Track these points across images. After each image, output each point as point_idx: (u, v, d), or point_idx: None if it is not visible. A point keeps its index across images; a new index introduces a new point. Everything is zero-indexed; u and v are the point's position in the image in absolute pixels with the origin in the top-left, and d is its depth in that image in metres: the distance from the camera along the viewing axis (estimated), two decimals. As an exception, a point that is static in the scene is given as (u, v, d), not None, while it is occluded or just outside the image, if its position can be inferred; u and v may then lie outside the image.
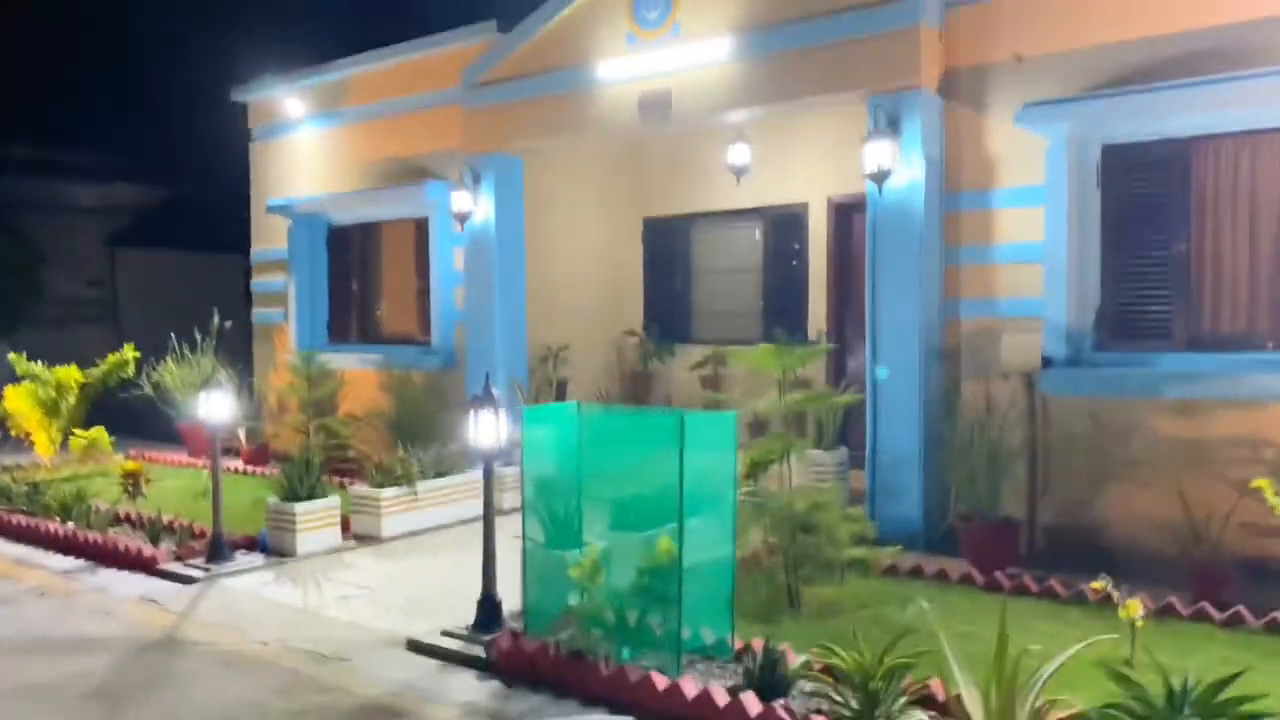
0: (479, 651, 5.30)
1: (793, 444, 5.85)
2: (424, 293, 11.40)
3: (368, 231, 12.21)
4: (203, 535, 7.82)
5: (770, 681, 4.54)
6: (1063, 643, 4.87)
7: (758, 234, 11.03)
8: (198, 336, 12.70)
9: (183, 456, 12.19)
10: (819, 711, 4.26)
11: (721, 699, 4.38)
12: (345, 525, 8.00)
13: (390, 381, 10.96)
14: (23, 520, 8.48)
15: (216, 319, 12.76)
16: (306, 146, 12.56)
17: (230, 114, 13.99)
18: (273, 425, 12.43)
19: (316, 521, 7.64)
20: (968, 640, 4.93)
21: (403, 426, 10.41)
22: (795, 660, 4.75)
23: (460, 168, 10.44)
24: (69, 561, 7.65)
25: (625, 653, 4.99)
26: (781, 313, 10.71)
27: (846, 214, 10.29)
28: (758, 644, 5.04)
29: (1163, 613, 5.56)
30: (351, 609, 6.29)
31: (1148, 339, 7.05)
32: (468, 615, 5.98)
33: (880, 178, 7.47)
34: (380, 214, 11.82)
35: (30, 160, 20.12)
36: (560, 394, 10.73)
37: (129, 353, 11.94)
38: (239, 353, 13.05)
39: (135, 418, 13.08)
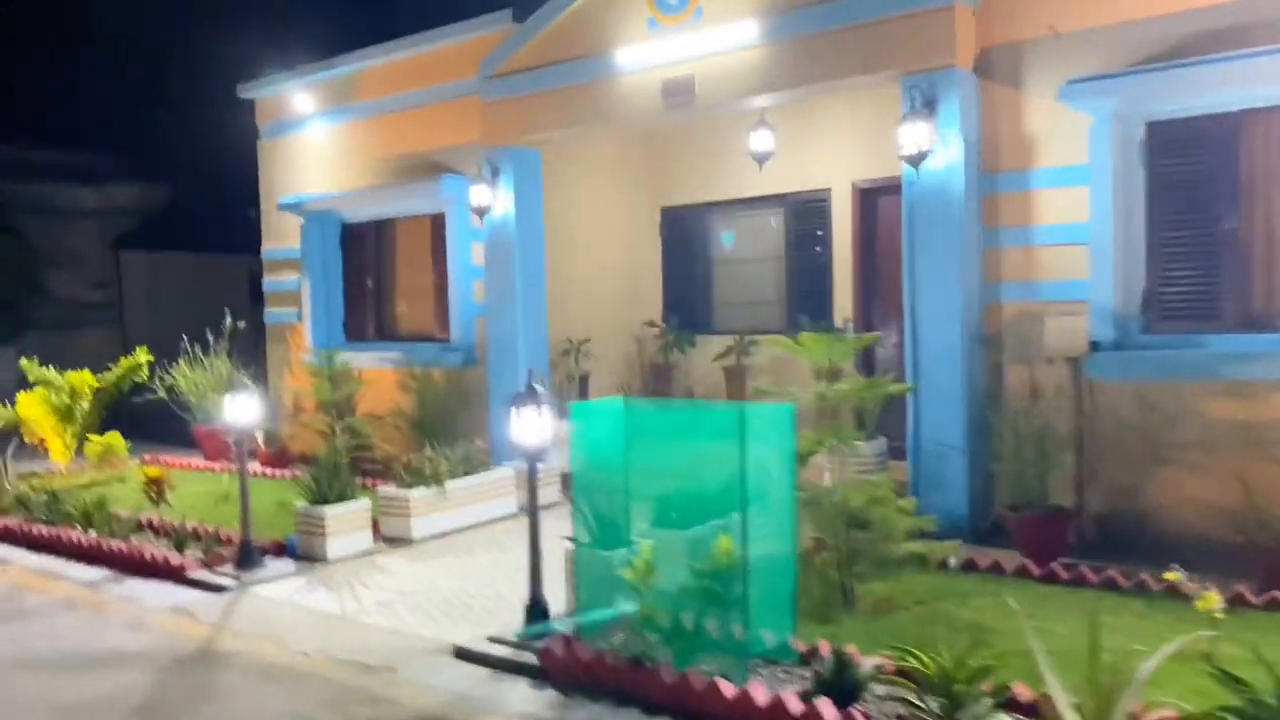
0: (530, 659, 5.13)
1: (846, 435, 5.66)
2: (441, 289, 11.21)
3: (381, 228, 12.01)
4: (229, 542, 7.65)
5: (842, 686, 4.36)
6: (1135, 637, 4.73)
7: (780, 221, 10.82)
8: (209, 338, 12.54)
9: (198, 460, 12.00)
10: (899, 718, 4.07)
11: (795, 706, 4.21)
12: (374, 527, 7.83)
13: (409, 379, 10.77)
14: (43, 530, 8.31)
15: (229, 320, 12.60)
16: (317, 143, 12.35)
17: (232, 112, 13.78)
18: (289, 427, 12.25)
19: (347, 525, 7.47)
20: (1038, 637, 4.75)
21: (425, 425, 10.25)
22: (861, 662, 4.58)
23: (476, 161, 10.24)
24: (94, 571, 7.48)
25: (683, 658, 4.82)
26: (805, 301, 10.52)
27: (872, 199, 10.09)
28: (823, 646, 4.87)
29: (1233, 602, 5.37)
30: (391, 615, 6.12)
31: (1197, 320, 6.86)
32: (512, 619, 5.82)
33: (917, 159, 7.28)
34: (395, 210, 11.61)
35: (30, 162, 19.91)
36: (582, 388, 10.55)
37: (142, 356, 11.76)
38: (249, 353, 12.85)
39: (147, 422, 12.91)
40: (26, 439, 11.38)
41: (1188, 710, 3.79)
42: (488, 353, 10.37)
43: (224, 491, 9.79)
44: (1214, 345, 6.68)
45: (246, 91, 12.94)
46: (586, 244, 11.08)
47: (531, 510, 5.45)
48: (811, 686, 4.47)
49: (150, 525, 8.38)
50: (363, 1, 20.60)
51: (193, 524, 7.99)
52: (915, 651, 4.20)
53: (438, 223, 11.16)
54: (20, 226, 19.52)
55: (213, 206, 21.71)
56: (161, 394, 12.22)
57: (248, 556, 7.05)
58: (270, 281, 13.14)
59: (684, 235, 11.58)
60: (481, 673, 5.14)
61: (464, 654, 5.35)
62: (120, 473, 11.07)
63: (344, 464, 7.79)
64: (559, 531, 7.70)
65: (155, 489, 8.22)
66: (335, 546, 7.36)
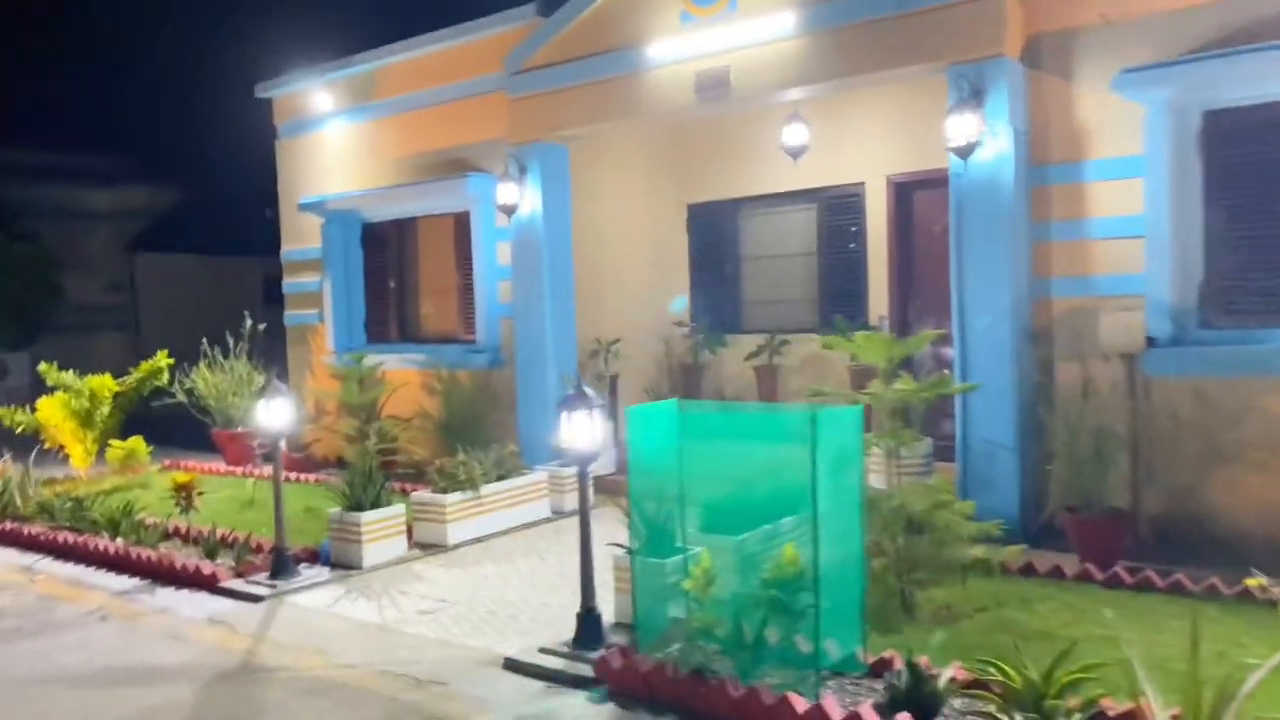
0: (585, 670, 4.95)
1: (906, 437, 5.47)
2: (466, 289, 11.04)
3: (404, 228, 11.84)
4: (260, 549, 7.49)
5: (919, 700, 4.17)
6: (1214, 644, 4.54)
7: (811, 217, 10.62)
8: (227, 341, 12.37)
9: (219, 465, 11.85)
10: (992, 733, 3.88)
11: (874, 722, 4.02)
12: (407, 533, 7.66)
13: (434, 381, 10.59)
14: (70, 537, 8.14)
15: (249, 322, 12.44)
16: (337, 142, 12.19)
17: (245, 113, 13.63)
18: (312, 431, 12.07)
19: (382, 531, 7.30)
20: (1112, 645, 4.57)
21: (451, 428, 10.07)
22: (937, 674, 4.38)
23: (501, 159, 10.07)
24: (124, 581, 7.31)
25: (744, 670, 4.63)
26: (839, 298, 10.33)
27: (907, 193, 9.89)
28: (890, 656, 4.69)
29: (1309, 608, 5.18)
30: (435, 625, 5.94)
31: (1258, 314, 6.66)
32: (561, 629, 5.65)
33: (966, 151, 7.08)
34: (417, 209, 11.43)
35: (42, 166, 19.79)
36: (612, 389, 10.36)
37: (162, 360, 11.59)
38: (266, 356, 12.67)
39: (165, 426, 12.76)
40: (47, 444, 11.23)
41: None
42: (515, 354, 10.19)
43: (249, 497, 9.64)
44: (1277, 340, 6.48)
45: (264, 90, 12.78)
46: (611, 242, 10.88)
47: (583, 516, 5.26)
48: (884, 701, 4.28)
49: (177, 532, 8.22)
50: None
51: (223, 531, 7.81)
52: (1000, 664, 4.00)
53: (462, 222, 10.99)
54: (34, 230, 19.39)
55: (226, 208, 21.60)
56: (181, 398, 12.06)
57: (283, 565, 6.87)
58: (290, 283, 12.98)
59: (711, 232, 11.39)
60: (535, 685, 4.96)
61: (515, 666, 5.16)
62: (142, 478, 10.92)
63: (378, 468, 7.60)
64: (600, 537, 7.54)
65: (184, 496, 8.04)
66: (371, 553, 7.19)
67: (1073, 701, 3.95)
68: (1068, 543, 6.58)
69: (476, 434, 9.55)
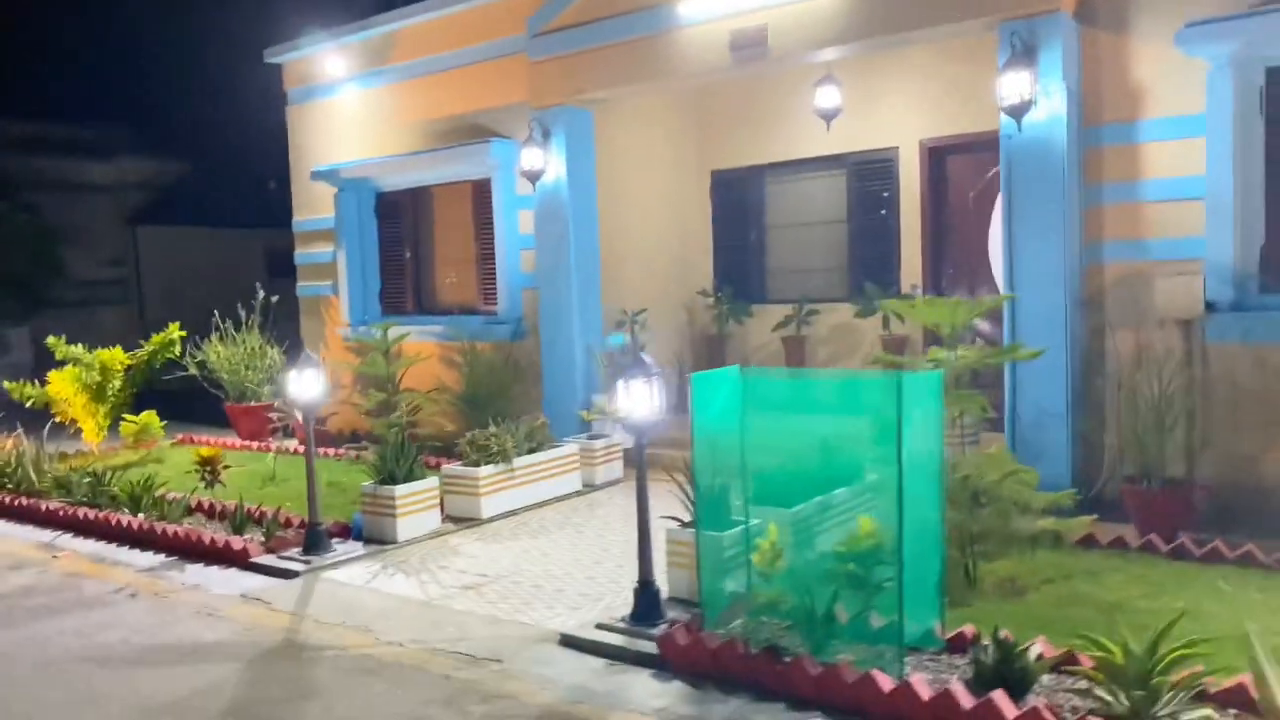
0: (648, 647, 4.76)
1: (974, 404, 5.27)
2: (486, 259, 10.78)
3: (420, 196, 11.55)
4: (289, 524, 7.28)
5: (1008, 677, 3.98)
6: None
7: (840, 183, 10.37)
8: (240, 313, 12.12)
9: (233, 439, 11.62)
10: (1092, 713, 3.69)
11: (967, 700, 3.83)
12: (439, 507, 7.46)
13: (452, 354, 10.36)
14: (90, 513, 7.93)
15: (261, 294, 12.18)
16: (350, 108, 11.89)
17: (249, 82, 13.31)
18: (328, 404, 11.81)
19: (416, 505, 7.09)
20: (1195, 619, 4.40)
21: (473, 401, 9.86)
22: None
23: (523, 124, 9.79)
24: (149, 557, 7.10)
25: (816, 647, 4.44)
26: (870, 266, 10.10)
27: (941, 158, 9.65)
28: (968, 631, 4.50)
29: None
30: (481, 600, 5.74)
31: (1322, 278, 6.46)
32: (610, 604, 5.50)
33: (1019, 111, 6.85)
34: (435, 177, 11.14)
35: (42, 137, 19.42)
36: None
37: (174, 332, 11.32)
38: (276, 329, 12.40)
39: (175, 400, 12.52)
40: (58, 419, 10.99)
41: None
42: (539, 325, 9.95)
43: (269, 472, 9.43)
44: (1342, 305, 6.29)
45: (274, 55, 12.46)
46: (631, 210, 10.60)
47: (640, 488, 5.05)
48: (970, 677, 4.10)
49: (200, 508, 8.00)
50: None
51: (248, 506, 7.60)
52: (1100, 639, 3.81)
53: (481, 189, 10.71)
54: (33, 203, 19.04)
55: (228, 180, 21.26)
56: (193, 371, 11.82)
57: (317, 540, 6.67)
58: (302, 254, 12.71)
59: (736, 199, 11.14)
60: (595, 663, 4.77)
61: (571, 642, 4.97)
62: (156, 453, 10.70)
63: (409, 441, 7.39)
64: (633, 511, 7.36)
65: (210, 471, 7.82)
66: (405, 527, 6.98)
67: (1180, 676, 3.76)
68: (1121, 513, 6.40)
69: (500, 407, 9.34)
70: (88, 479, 8.51)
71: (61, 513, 8.14)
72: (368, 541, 6.97)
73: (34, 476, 9.03)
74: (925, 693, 3.94)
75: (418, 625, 5.39)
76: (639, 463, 5.05)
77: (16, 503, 8.62)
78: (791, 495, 5.13)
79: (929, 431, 4.38)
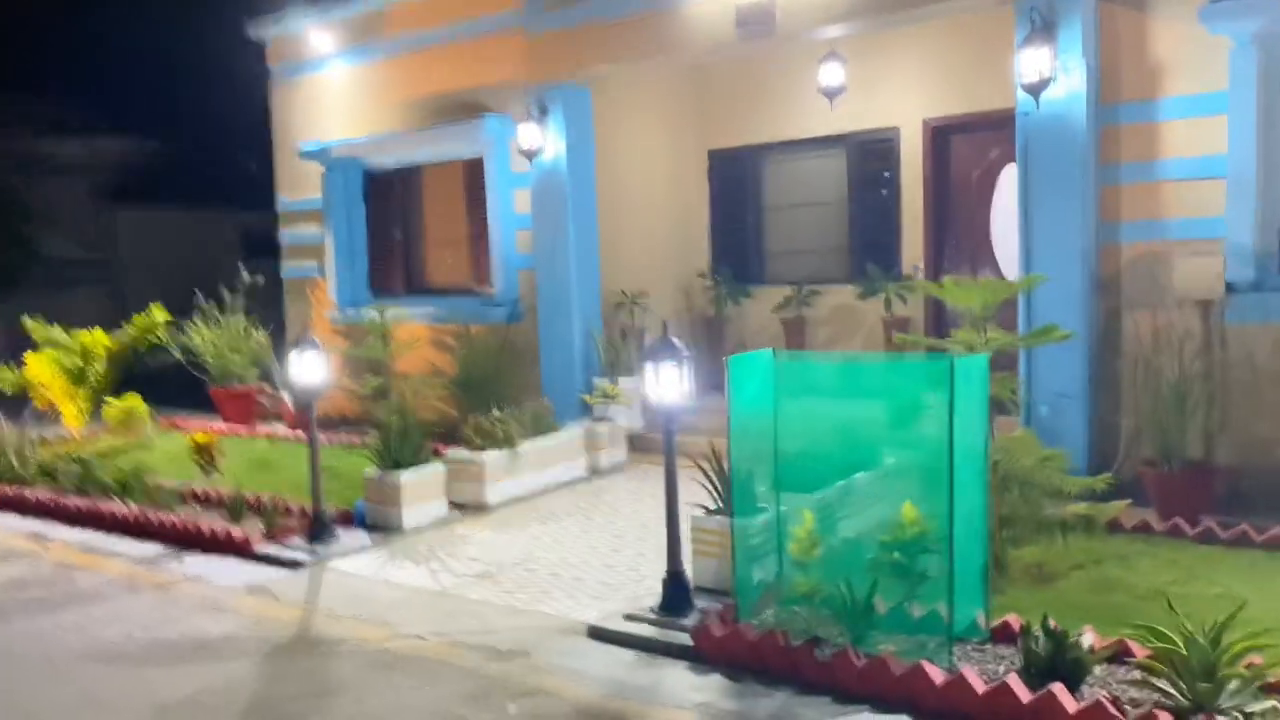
0: (682, 639, 4.61)
1: (1005, 387, 5.15)
2: (480, 239, 10.54)
3: (410, 175, 11.28)
4: (290, 512, 7.07)
5: (1060, 668, 3.87)
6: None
7: (841, 163, 10.23)
8: (223, 295, 11.81)
9: (219, 424, 11.33)
10: (1159, 706, 3.58)
11: (1024, 693, 3.72)
12: (444, 494, 7.29)
13: (445, 336, 10.14)
14: (79, 502, 7.67)
15: (244, 275, 11.88)
16: (337, 85, 11.58)
17: (226, 59, 12.93)
18: (316, 387, 11.55)
19: (422, 492, 6.91)
20: (1228, 603, 4.30)
21: (469, 385, 9.66)
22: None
23: (517, 102, 9.56)
24: (145, 547, 6.86)
25: (858, 637, 4.32)
26: (871, 247, 9.97)
27: (944, 137, 9.53)
28: (1013, 621, 4.39)
29: None
30: (498, 589, 5.58)
31: (1344, 259, 6.40)
32: (634, 593, 5.37)
33: (1038, 88, 6.71)
34: (427, 155, 10.88)
35: (13, 114, 18.85)
36: (640, 343, 9.96)
37: (158, 314, 11.02)
38: (258, 311, 12.10)
39: (156, 383, 12.19)
40: (37, 403, 10.67)
41: None
42: (537, 307, 9.75)
43: (260, 457, 9.20)
44: (1365, 286, 6.23)
45: (257, 29, 12.11)
46: (628, 190, 10.40)
47: (669, 473, 4.89)
48: (1020, 668, 3.99)
49: (194, 495, 7.77)
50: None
51: (249, 494, 7.37)
52: (1161, 629, 3.71)
53: (474, 168, 10.46)
54: (5, 183, 18.52)
55: (203, 159, 20.79)
56: (177, 354, 11.52)
57: (321, 529, 6.46)
58: (288, 233, 12.42)
59: (733, 180, 10.97)
60: (626, 655, 4.62)
61: (600, 634, 4.82)
62: (141, 439, 10.41)
63: (415, 426, 7.19)
64: (646, 495, 7.22)
65: (206, 457, 7.58)
66: (411, 515, 6.80)
67: (1243, 666, 3.66)
68: (1138, 495, 6.31)
69: (497, 390, 9.13)
70: (75, 466, 8.24)
71: (51, 501, 7.87)
72: (372, 529, 6.79)
73: (18, 464, 8.74)
74: (980, 685, 3.82)
75: (435, 616, 5.22)
76: (667, 449, 4.89)
77: (2, 491, 8.34)
78: (810, 481, 5.00)
79: (974, 416, 4.25)
